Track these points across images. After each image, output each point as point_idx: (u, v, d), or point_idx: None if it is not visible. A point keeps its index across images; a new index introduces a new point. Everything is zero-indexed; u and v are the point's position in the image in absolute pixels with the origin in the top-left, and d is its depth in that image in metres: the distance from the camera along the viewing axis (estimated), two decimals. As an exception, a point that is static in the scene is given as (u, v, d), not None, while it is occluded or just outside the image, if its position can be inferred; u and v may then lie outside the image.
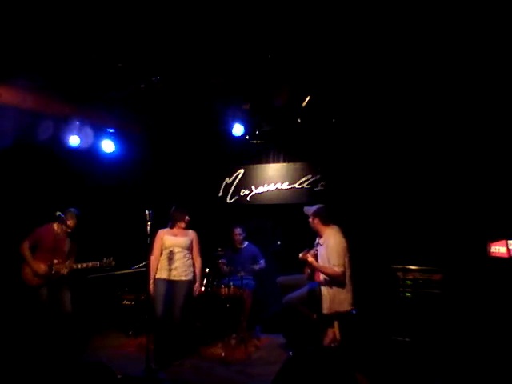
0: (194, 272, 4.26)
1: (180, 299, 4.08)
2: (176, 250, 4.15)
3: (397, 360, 3.70)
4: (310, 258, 4.06)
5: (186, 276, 4.14)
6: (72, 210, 4.47)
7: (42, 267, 4.18)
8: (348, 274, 4.02)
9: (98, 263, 4.35)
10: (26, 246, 4.22)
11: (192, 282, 4.23)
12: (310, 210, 4.32)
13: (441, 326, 3.92)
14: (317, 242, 4.28)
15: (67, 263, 4.30)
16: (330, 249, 4.00)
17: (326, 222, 4.23)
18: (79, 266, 4.34)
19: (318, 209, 4.28)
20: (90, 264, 4.35)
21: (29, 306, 4.32)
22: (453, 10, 2.89)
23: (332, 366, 2.05)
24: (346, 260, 4.01)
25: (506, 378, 3.21)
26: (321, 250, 4.15)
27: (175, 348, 4.11)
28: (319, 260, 4.11)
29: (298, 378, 1.95)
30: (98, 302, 5.41)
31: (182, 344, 4.25)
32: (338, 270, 3.90)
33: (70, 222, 4.39)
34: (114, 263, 4.38)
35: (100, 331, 5.23)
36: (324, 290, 4.03)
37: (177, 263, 4.11)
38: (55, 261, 4.19)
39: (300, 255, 4.18)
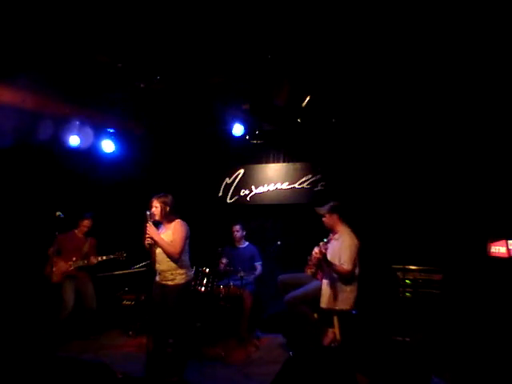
0: (186, 274, 3.69)
1: (170, 306, 3.59)
2: (158, 250, 3.62)
3: (397, 360, 3.70)
4: (325, 251, 4.00)
5: (172, 280, 3.59)
6: (88, 214, 5.05)
7: (62, 265, 4.69)
8: (356, 274, 4.01)
9: (112, 256, 4.81)
10: (50, 251, 4.73)
11: (182, 287, 3.64)
12: (324, 207, 4.28)
13: (441, 326, 3.92)
14: (330, 238, 4.20)
15: (86, 259, 4.79)
16: (344, 245, 3.99)
17: (342, 218, 4.23)
18: (99, 258, 4.81)
19: (334, 205, 4.26)
20: (105, 257, 4.83)
21: (49, 302, 4.73)
22: (453, 9, 2.89)
23: (332, 366, 2.06)
24: (357, 260, 4.00)
25: (505, 377, 3.21)
26: (333, 245, 4.11)
27: (177, 356, 3.70)
28: (328, 255, 4.09)
29: (298, 378, 1.96)
30: (98, 301, 5.41)
31: (184, 351, 3.79)
32: (346, 267, 3.89)
33: (85, 223, 4.97)
34: (125, 254, 4.83)
35: (100, 331, 5.23)
36: (326, 284, 4.02)
37: (162, 266, 3.60)
38: (74, 258, 4.73)
39: (321, 244, 4.09)
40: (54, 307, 4.61)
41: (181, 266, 3.62)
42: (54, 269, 4.63)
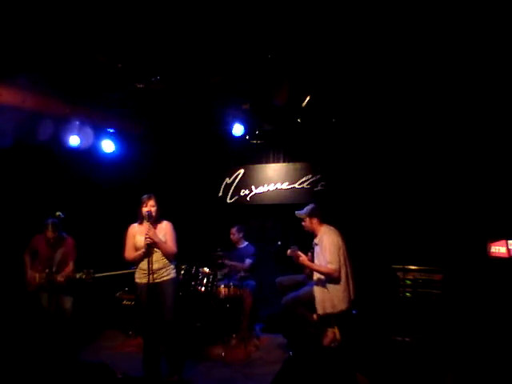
0: (175, 268, 3.85)
1: (168, 300, 3.67)
2: (151, 251, 3.62)
3: (397, 360, 3.70)
4: (302, 257, 4.04)
5: (168, 275, 3.72)
6: (49, 220, 4.33)
7: (35, 277, 4.28)
8: (344, 272, 4.00)
9: (78, 276, 4.25)
10: (26, 257, 4.39)
11: (176, 279, 3.86)
12: (303, 212, 4.27)
13: (441, 326, 3.92)
14: (314, 243, 4.26)
15: (60, 273, 4.25)
16: (324, 246, 4.01)
17: (322, 220, 4.23)
18: (65, 277, 4.24)
19: (313, 209, 4.25)
20: (71, 275, 4.27)
21: (29, 309, 4.37)
22: (453, 9, 2.89)
23: (332, 366, 2.06)
24: (342, 258, 4.00)
25: (506, 377, 3.21)
26: (316, 250, 4.15)
27: (175, 354, 3.76)
28: (315, 260, 4.11)
29: (298, 378, 1.96)
30: (97, 302, 5.41)
31: (181, 348, 3.87)
32: (331, 266, 3.89)
33: (48, 234, 4.29)
34: (92, 274, 4.27)
35: (100, 331, 5.23)
36: (317, 290, 4.02)
37: (156, 265, 3.62)
38: (46, 270, 4.23)
39: (288, 252, 4.15)
40: (33, 314, 4.32)
41: (172, 262, 3.81)
42: (29, 278, 4.27)
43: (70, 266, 4.34)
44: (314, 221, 4.21)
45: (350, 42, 3.38)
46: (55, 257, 4.32)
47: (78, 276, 4.26)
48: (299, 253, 4.09)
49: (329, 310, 3.95)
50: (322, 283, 4.01)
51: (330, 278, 3.96)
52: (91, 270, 4.29)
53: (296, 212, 4.33)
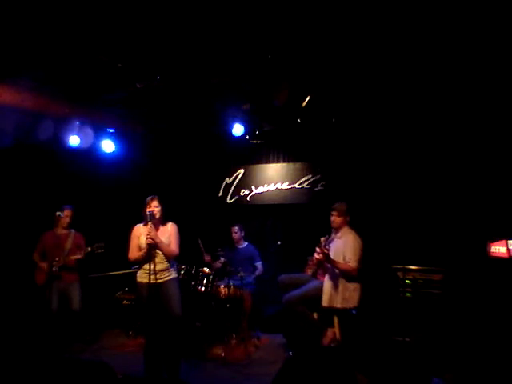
0: (176, 268, 3.90)
1: (173, 297, 3.69)
2: (154, 252, 3.67)
3: (397, 360, 3.70)
4: (327, 251, 4.02)
5: (170, 275, 3.75)
6: (65, 206, 4.65)
7: (45, 267, 4.46)
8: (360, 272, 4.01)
9: (89, 248, 4.46)
10: (35, 255, 4.58)
11: (178, 279, 3.89)
12: (341, 207, 4.21)
13: (441, 326, 3.92)
14: (331, 238, 4.22)
15: (67, 257, 4.48)
16: (349, 244, 4.00)
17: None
18: (72, 257, 4.48)
19: (347, 206, 4.23)
20: (83, 252, 4.48)
21: (38, 304, 4.50)
22: (453, 9, 2.89)
23: (332, 366, 2.06)
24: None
25: (505, 377, 3.21)
26: (337, 244, 4.11)
27: (174, 354, 3.75)
28: (332, 254, 4.09)
29: (298, 378, 1.96)
30: (98, 302, 5.41)
31: (180, 348, 3.85)
32: (351, 265, 3.89)
33: (66, 213, 4.59)
34: (103, 245, 4.47)
35: (100, 331, 5.23)
36: (328, 283, 4.02)
37: (158, 266, 3.65)
38: (56, 258, 4.44)
39: (322, 239, 4.08)
40: (41, 310, 4.44)
41: (173, 263, 3.84)
42: (39, 271, 4.47)
43: (81, 255, 4.48)
44: (347, 218, 4.20)
45: (349, 42, 3.38)
46: (65, 246, 4.54)
47: (89, 249, 4.44)
48: (326, 251, 4.01)
49: (334, 304, 3.94)
50: (335, 277, 3.98)
51: (346, 275, 3.94)
52: (101, 243, 4.43)
53: (336, 206, 4.23)
